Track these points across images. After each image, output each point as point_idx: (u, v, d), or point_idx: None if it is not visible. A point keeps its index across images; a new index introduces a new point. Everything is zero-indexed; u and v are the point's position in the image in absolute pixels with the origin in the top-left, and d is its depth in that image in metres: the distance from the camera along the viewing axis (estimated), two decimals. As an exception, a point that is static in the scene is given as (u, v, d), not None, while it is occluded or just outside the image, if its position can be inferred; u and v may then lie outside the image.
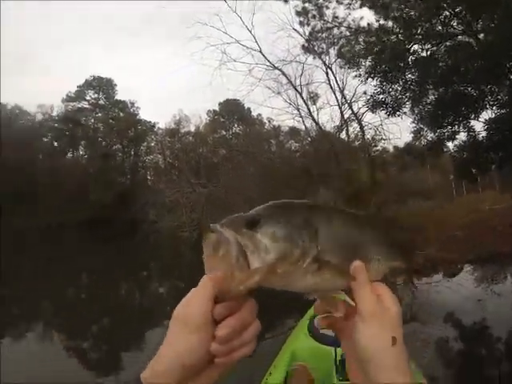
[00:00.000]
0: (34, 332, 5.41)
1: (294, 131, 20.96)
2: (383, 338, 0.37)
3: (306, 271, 0.38)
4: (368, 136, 14.44)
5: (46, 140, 31.03)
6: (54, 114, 31.05)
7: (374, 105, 7.55)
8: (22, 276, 9.19)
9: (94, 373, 4.05)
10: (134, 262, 11.38)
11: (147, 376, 0.35)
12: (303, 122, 14.15)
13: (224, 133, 28.27)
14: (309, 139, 17.04)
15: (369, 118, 13.53)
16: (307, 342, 1.76)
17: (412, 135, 8.50)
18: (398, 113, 7.57)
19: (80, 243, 16.65)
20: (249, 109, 28.61)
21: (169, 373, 0.34)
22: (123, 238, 16.75)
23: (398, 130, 12.49)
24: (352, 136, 15.03)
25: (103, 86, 31.54)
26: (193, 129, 28.09)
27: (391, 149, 15.03)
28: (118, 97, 31.65)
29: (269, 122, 22.13)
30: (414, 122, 7.81)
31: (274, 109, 15.47)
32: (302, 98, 14.16)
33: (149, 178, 28.77)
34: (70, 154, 31.10)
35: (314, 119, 14.12)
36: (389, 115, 7.79)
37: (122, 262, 11.34)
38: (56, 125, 30.81)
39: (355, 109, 13.82)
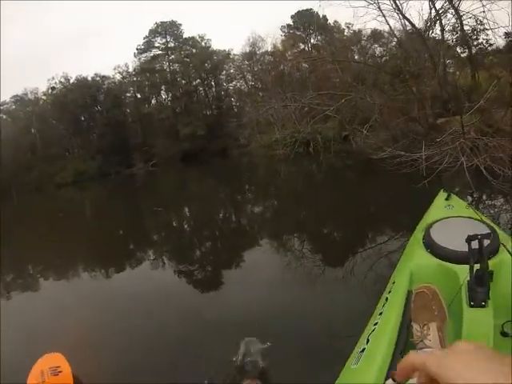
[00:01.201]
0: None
1: (376, 34, 18.65)
2: None
3: None
4: (467, 27, 11.03)
5: (129, 95, 32.54)
6: (131, 69, 32.15)
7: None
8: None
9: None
10: (233, 182, 11.23)
11: None
12: (386, 21, 11.18)
13: (302, 46, 26.24)
14: (395, 40, 14.34)
15: (467, 4, 9.76)
16: (427, 259, 1.45)
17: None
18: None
19: (181, 173, 17.51)
20: (324, 17, 25.97)
21: None
22: (217, 164, 16.82)
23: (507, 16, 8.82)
24: (447, 29, 11.67)
25: (168, 29, 31.36)
26: (270, 48, 26.53)
27: (497, 42, 11.40)
28: (186, 35, 31.24)
29: (348, 27, 20.09)
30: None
31: (352, 10, 12.43)
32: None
33: (234, 104, 28.82)
34: (153, 101, 32.02)
35: (400, 13, 10.96)
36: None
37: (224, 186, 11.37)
38: (135, 78, 32.06)
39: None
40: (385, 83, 12.82)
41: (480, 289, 1.10)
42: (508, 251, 1.26)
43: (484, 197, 5.14)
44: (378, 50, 20.30)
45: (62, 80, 30.17)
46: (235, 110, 26.68)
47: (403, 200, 5.56)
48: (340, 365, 1.30)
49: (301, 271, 3.63)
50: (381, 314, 1.35)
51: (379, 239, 3.99)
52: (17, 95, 30.71)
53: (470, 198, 4.76)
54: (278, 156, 12.72)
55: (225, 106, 29.36)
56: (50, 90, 30.72)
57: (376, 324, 1.30)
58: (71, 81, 30.16)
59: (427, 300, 1.18)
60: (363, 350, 1.20)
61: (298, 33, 26.88)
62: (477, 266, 1.13)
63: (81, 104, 28.55)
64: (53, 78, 30.29)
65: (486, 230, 1.31)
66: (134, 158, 27.53)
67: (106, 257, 6.13)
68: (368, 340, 1.23)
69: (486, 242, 1.18)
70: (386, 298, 1.43)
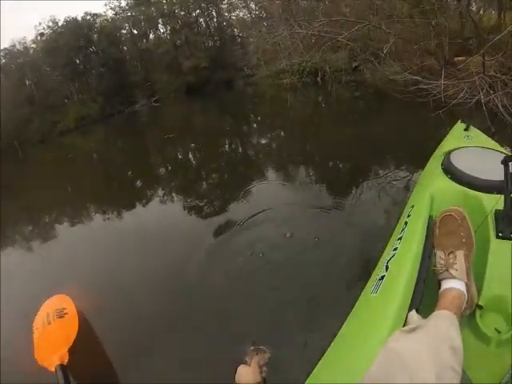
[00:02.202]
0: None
1: None
2: None
3: None
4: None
5: (125, 32, 30.59)
6: (123, 4, 30.06)
7: None
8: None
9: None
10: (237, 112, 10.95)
11: None
12: None
13: None
14: None
15: None
16: (448, 184, 1.37)
17: None
18: None
19: (186, 106, 17.22)
20: None
21: None
22: (222, 96, 16.38)
23: None
24: None
25: None
26: None
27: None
28: None
29: None
30: None
31: None
32: None
33: (237, 35, 27.12)
34: (151, 36, 30.32)
35: None
36: None
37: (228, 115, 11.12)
38: (129, 13, 30.00)
39: None
40: (402, 13, 11.93)
41: (509, 219, 1.06)
42: None
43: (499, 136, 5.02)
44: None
45: (50, 24, 28.10)
46: (238, 40, 25.23)
47: (415, 131, 5.41)
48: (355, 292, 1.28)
49: (310, 200, 3.58)
50: (399, 239, 1.28)
51: (391, 167, 3.89)
52: (5, 48, 28.69)
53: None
54: (284, 85, 12.28)
55: (228, 36, 27.84)
56: (38, 37, 28.70)
57: (395, 249, 1.23)
58: (60, 23, 28.18)
59: (455, 225, 1.07)
60: (382, 277, 1.14)
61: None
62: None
63: (74, 46, 27.11)
64: (40, 24, 28.33)
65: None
66: (136, 96, 26.73)
67: (115, 197, 6.22)
68: (387, 267, 1.17)
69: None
70: (405, 223, 1.35)
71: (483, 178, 1.28)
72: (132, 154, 9.65)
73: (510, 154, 1.47)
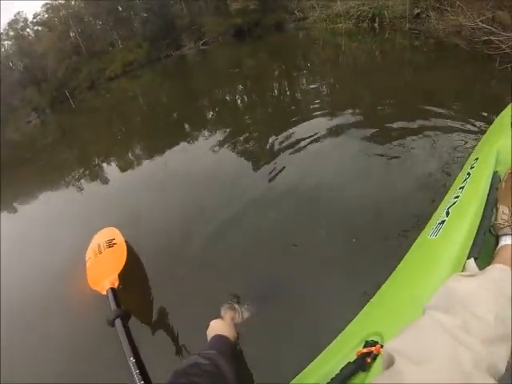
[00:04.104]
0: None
1: None
2: None
3: None
4: None
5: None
6: None
7: None
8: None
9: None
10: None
11: None
12: None
13: None
14: None
15: None
16: None
17: None
18: None
19: (234, 49, 16.88)
20: None
21: None
22: (272, 39, 15.79)
23: None
24: None
25: None
26: None
27: None
28: None
29: None
30: None
31: None
32: None
33: None
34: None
35: None
36: None
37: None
38: None
39: None
40: None
41: None
42: None
43: None
44: None
45: None
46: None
47: (479, 86, 5.00)
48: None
49: (359, 148, 3.53)
50: (461, 188, 1.27)
51: (452, 121, 3.67)
52: (47, 3, 29.40)
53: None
54: (339, 30, 11.61)
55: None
56: None
57: (457, 197, 1.22)
58: None
59: None
60: (443, 222, 1.15)
61: None
62: None
63: (115, -6, 26.69)
64: None
65: None
66: (183, 39, 26.35)
67: (161, 139, 6.40)
68: (448, 212, 1.17)
69: None
70: (468, 173, 1.34)
71: None
72: (179, 96, 9.82)
73: None
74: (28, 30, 31.05)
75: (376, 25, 12.88)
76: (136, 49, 26.43)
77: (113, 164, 6.25)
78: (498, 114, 2.02)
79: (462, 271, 0.88)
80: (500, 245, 0.96)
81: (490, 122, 2.15)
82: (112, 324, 1.71)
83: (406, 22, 12.36)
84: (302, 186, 3.11)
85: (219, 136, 5.37)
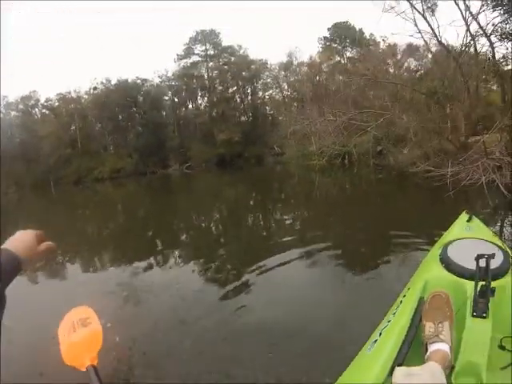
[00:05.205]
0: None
1: (412, 48, 19.22)
2: None
3: None
4: (499, 52, 11.52)
5: (167, 98, 33.84)
6: (170, 74, 33.56)
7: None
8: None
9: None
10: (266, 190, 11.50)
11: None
12: (422, 36, 11.55)
13: (338, 58, 26.51)
14: (429, 55, 14.96)
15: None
16: (441, 272, 1.66)
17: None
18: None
19: (216, 177, 17.84)
20: (361, 30, 26.42)
21: None
22: (252, 171, 17.25)
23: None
24: (480, 52, 12.06)
25: (208, 37, 32.49)
26: (306, 59, 27.08)
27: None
28: (225, 43, 32.19)
29: (383, 40, 19.60)
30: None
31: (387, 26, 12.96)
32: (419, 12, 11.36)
33: (269, 113, 29.32)
34: (190, 106, 33.33)
35: (436, 37, 11.39)
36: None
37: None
38: (173, 82, 33.53)
39: (483, 22, 10.67)
40: (420, 103, 13.22)
41: (482, 300, 1.33)
42: None
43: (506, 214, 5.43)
44: (413, 63, 20.78)
45: (104, 81, 32.02)
46: (270, 118, 27.25)
47: (430, 213, 5.77)
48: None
49: (324, 274, 3.80)
50: (394, 313, 1.60)
51: (401, 251, 4.12)
52: (61, 93, 32.89)
53: (491, 213, 5.28)
54: (313, 166, 13.31)
55: (260, 114, 29.96)
56: (91, 90, 32.60)
57: (389, 321, 1.55)
58: (113, 82, 31.93)
59: (442, 302, 1.41)
60: (375, 341, 1.41)
61: (334, 45, 27.13)
62: (482, 282, 1.38)
63: (120, 104, 30.09)
64: (95, 79, 32.28)
65: (497, 251, 1.60)
66: (170, 159, 28.67)
67: (132, 251, 6.19)
68: (380, 333, 1.45)
69: (495, 262, 1.46)
70: (401, 301, 1.67)
71: (469, 267, 1.54)
72: (157, 212, 9.99)
73: (499, 243, 1.78)
74: (36, 109, 33.65)
75: (346, 161, 14.80)
76: (126, 158, 28.05)
77: (75, 262, 5.86)
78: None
79: (390, 376, 1.07)
80: (430, 350, 1.17)
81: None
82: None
83: (371, 157, 14.37)
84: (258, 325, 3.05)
85: (189, 262, 5.15)
